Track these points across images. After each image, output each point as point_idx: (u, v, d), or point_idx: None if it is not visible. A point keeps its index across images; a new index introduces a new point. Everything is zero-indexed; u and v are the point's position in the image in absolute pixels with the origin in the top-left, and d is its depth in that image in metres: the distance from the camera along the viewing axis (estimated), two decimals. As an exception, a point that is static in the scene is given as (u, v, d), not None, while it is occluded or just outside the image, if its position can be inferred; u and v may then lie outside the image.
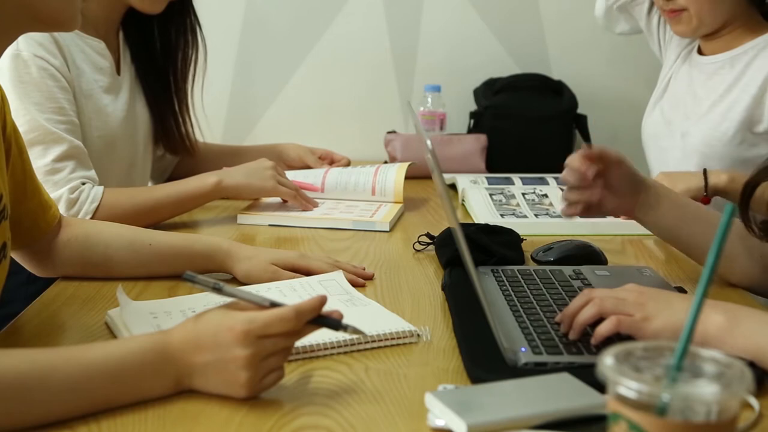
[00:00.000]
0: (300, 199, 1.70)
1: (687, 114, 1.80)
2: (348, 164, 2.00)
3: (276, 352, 0.92)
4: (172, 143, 1.89)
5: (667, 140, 1.84)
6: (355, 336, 1.04)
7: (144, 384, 0.90)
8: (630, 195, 1.27)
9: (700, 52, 1.83)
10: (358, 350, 1.05)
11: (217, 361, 0.91)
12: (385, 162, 2.12)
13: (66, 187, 1.51)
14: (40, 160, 1.51)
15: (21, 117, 1.51)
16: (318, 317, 0.94)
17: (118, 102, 1.74)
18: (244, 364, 0.90)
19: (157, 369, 0.91)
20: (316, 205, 1.74)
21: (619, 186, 1.26)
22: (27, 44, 1.54)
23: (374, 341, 1.06)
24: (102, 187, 1.55)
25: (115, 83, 1.74)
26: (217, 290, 0.95)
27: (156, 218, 1.59)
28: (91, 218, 1.50)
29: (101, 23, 1.70)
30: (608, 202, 1.27)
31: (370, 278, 1.34)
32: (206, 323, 0.92)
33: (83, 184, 1.53)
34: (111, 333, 1.11)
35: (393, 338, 1.07)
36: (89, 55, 1.67)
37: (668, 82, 1.89)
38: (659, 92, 1.91)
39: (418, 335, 1.08)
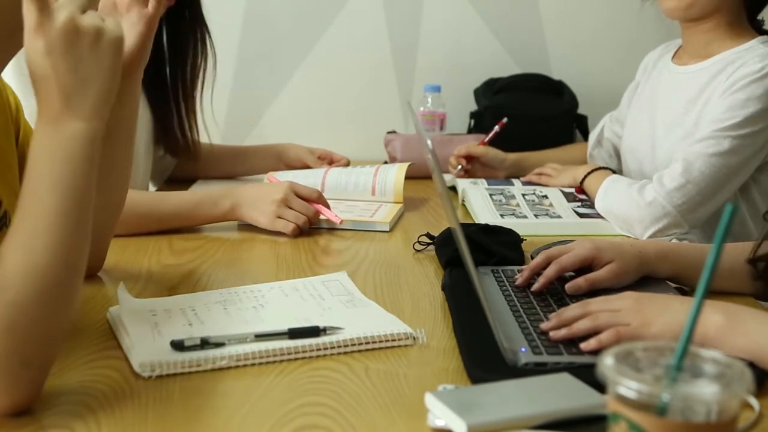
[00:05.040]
0: (297, 231, 1.58)
1: (656, 124, 1.79)
2: (347, 164, 2.00)
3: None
4: (174, 145, 1.89)
5: (641, 150, 1.83)
6: (355, 336, 1.05)
7: None
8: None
9: (676, 60, 1.82)
10: (358, 350, 1.05)
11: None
12: (385, 162, 2.12)
13: None
14: None
15: (23, 109, 1.52)
16: (298, 330, 1.04)
17: None
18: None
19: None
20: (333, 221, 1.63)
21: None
22: None
23: (369, 342, 1.05)
24: None
25: None
26: (205, 343, 1.01)
27: (157, 228, 1.56)
28: None
29: None
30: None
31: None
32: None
33: None
34: (112, 331, 1.10)
35: (389, 340, 1.07)
36: None
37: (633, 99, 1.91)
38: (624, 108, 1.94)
39: (414, 338, 1.08)
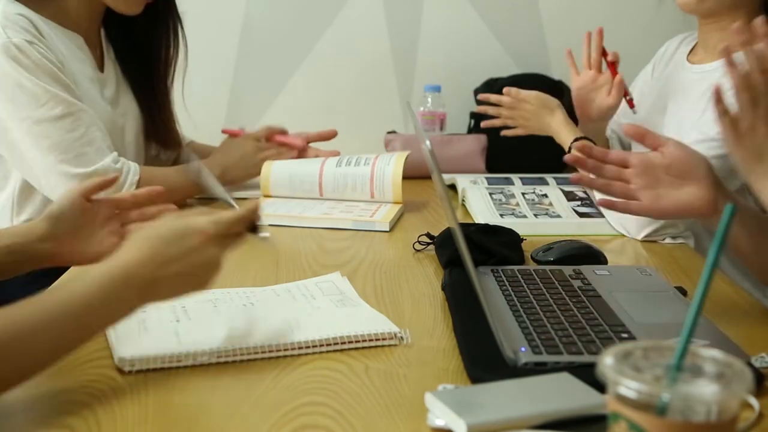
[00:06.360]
0: (284, 154, 1.88)
1: (665, 122, 1.78)
2: (329, 138, 2.02)
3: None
4: (163, 137, 1.90)
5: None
6: (337, 335, 1.05)
7: (109, 313, 0.93)
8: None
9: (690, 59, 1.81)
10: (340, 350, 1.04)
11: (191, 266, 0.97)
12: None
13: (109, 157, 1.58)
14: (75, 132, 1.58)
15: (43, 96, 1.56)
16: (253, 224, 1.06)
17: (104, 95, 1.75)
18: (219, 262, 0.99)
19: (121, 297, 0.93)
20: (297, 145, 1.91)
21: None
22: (14, 32, 1.57)
23: (353, 342, 1.05)
24: (135, 163, 1.66)
25: (99, 78, 1.75)
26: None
27: (180, 197, 1.73)
28: (136, 188, 1.60)
29: (81, 19, 1.72)
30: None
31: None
32: (166, 236, 0.96)
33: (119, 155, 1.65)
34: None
35: (372, 339, 1.06)
36: (70, 47, 1.69)
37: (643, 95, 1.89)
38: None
39: (401, 338, 1.08)
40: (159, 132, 1.89)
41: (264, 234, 1.07)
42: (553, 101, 1.87)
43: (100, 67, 1.77)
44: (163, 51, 1.85)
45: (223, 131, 1.97)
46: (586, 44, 1.84)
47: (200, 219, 0.99)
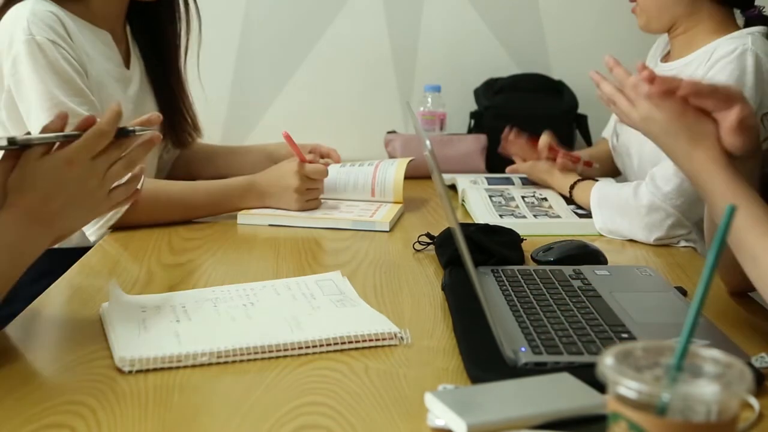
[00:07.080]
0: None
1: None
2: (338, 159, 1.97)
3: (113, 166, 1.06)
4: (177, 135, 1.89)
5: (633, 145, 1.81)
6: (337, 335, 1.05)
7: (22, 252, 1.04)
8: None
9: (667, 58, 1.80)
10: (340, 350, 1.04)
11: (75, 196, 1.04)
12: (385, 162, 2.11)
13: None
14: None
15: (47, 101, 1.55)
16: (119, 129, 1.06)
17: (128, 94, 1.75)
18: (100, 183, 1.05)
19: (27, 237, 1.02)
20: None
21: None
22: (39, 29, 1.56)
23: (353, 342, 1.05)
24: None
25: (125, 75, 1.75)
26: (12, 144, 1.01)
27: (189, 216, 1.67)
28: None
29: (106, 15, 1.71)
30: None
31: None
32: (42, 175, 1.02)
33: None
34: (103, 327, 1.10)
35: (372, 339, 1.06)
36: (97, 45, 1.68)
37: None
38: None
39: (401, 338, 1.08)
40: (177, 131, 1.88)
41: (133, 129, 1.07)
42: (543, 165, 1.91)
43: (126, 63, 1.77)
44: (178, 25, 1.83)
45: (285, 136, 1.77)
46: (515, 145, 1.97)
47: (64, 150, 1.02)
